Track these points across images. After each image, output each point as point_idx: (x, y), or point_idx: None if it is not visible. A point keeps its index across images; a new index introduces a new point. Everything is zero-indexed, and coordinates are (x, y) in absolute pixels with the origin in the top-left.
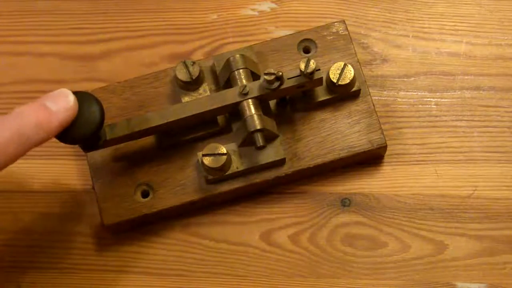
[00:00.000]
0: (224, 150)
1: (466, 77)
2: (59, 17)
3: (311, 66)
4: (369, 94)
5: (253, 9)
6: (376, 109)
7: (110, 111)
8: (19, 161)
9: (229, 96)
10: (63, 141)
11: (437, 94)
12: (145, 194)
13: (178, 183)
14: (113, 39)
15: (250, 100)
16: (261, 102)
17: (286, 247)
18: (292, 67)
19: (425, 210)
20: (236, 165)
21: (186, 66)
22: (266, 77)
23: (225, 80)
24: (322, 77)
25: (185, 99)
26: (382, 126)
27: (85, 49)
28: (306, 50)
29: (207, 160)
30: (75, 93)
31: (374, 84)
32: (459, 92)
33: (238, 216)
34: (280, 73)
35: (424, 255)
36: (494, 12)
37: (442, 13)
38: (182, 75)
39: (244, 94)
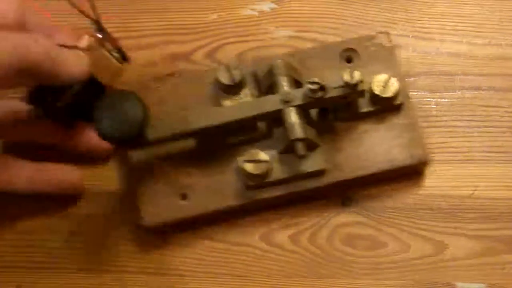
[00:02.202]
0: (265, 157)
1: (466, 77)
2: (59, 17)
3: (355, 77)
4: (413, 108)
5: (253, 9)
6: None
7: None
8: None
9: (272, 102)
10: (106, 140)
11: (437, 94)
12: (184, 197)
13: (218, 187)
14: None
15: (292, 108)
16: (303, 110)
17: (286, 247)
18: (334, 76)
19: (425, 210)
20: (277, 172)
21: (229, 70)
22: (310, 86)
23: (267, 86)
24: (365, 89)
25: (226, 102)
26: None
27: None
28: (348, 60)
29: (247, 166)
30: (118, 91)
31: None
32: (459, 92)
33: (238, 216)
34: (324, 83)
35: (424, 255)
36: (494, 12)
37: (442, 13)
38: (224, 78)
39: (286, 102)
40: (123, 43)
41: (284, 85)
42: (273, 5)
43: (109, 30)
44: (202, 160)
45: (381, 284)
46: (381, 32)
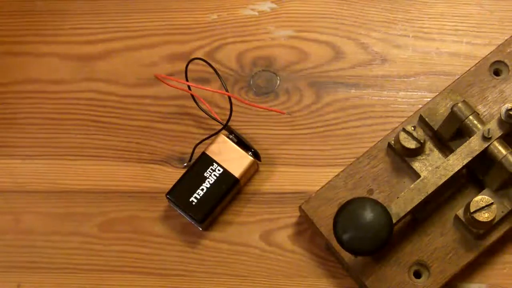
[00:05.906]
0: (490, 200)
1: None
2: (59, 17)
3: None
4: None
5: (253, 9)
6: (376, 109)
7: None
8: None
9: (475, 145)
10: (349, 252)
11: (437, 94)
12: (417, 274)
13: (448, 250)
14: (113, 39)
15: (496, 142)
16: (505, 140)
17: (286, 247)
18: (495, 94)
19: None
20: (501, 209)
21: (409, 133)
22: (508, 112)
23: (452, 132)
24: None
25: (416, 165)
26: (381, 126)
27: (85, 49)
28: (496, 73)
29: (480, 216)
30: (360, 199)
31: (374, 84)
32: None
33: (238, 216)
34: None
35: None
36: (494, 12)
37: (442, 13)
38: (410, 144)
39: (488, 138)
40: (123, 43)
41: (476, 123)
42: (273, 5)
43: (109, 29)
44: (418, 231)
45: None
46: None
